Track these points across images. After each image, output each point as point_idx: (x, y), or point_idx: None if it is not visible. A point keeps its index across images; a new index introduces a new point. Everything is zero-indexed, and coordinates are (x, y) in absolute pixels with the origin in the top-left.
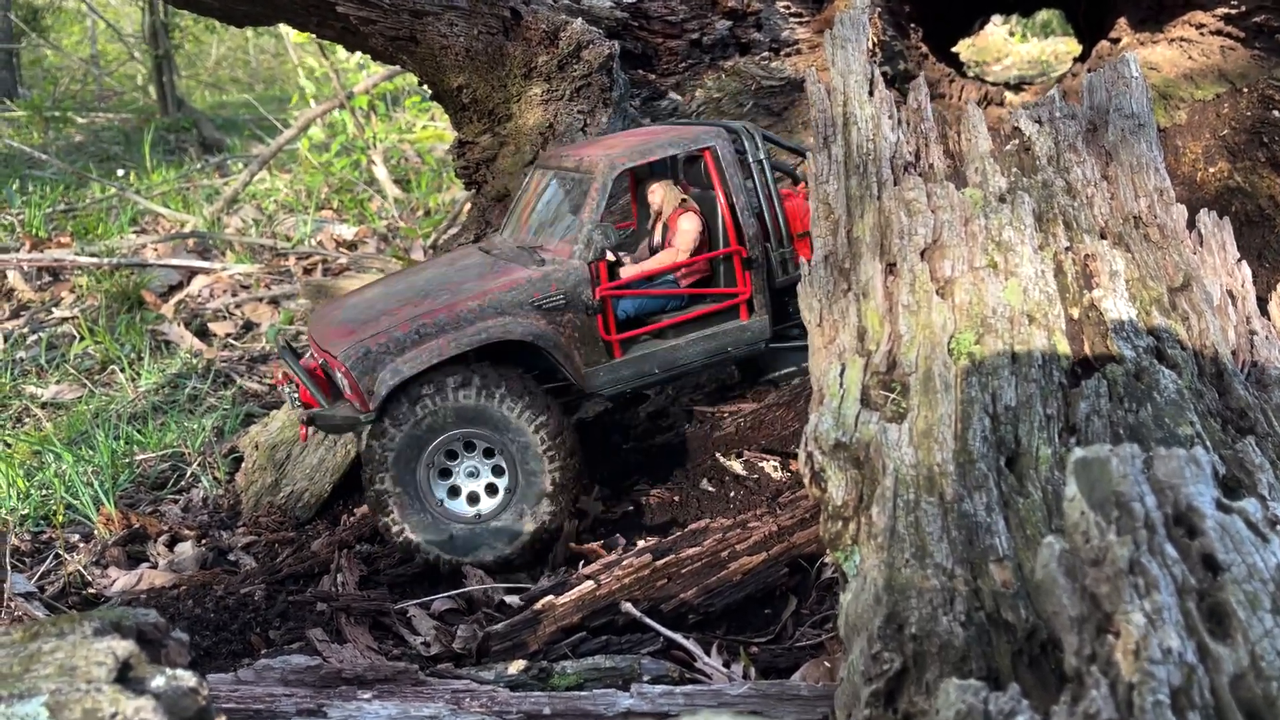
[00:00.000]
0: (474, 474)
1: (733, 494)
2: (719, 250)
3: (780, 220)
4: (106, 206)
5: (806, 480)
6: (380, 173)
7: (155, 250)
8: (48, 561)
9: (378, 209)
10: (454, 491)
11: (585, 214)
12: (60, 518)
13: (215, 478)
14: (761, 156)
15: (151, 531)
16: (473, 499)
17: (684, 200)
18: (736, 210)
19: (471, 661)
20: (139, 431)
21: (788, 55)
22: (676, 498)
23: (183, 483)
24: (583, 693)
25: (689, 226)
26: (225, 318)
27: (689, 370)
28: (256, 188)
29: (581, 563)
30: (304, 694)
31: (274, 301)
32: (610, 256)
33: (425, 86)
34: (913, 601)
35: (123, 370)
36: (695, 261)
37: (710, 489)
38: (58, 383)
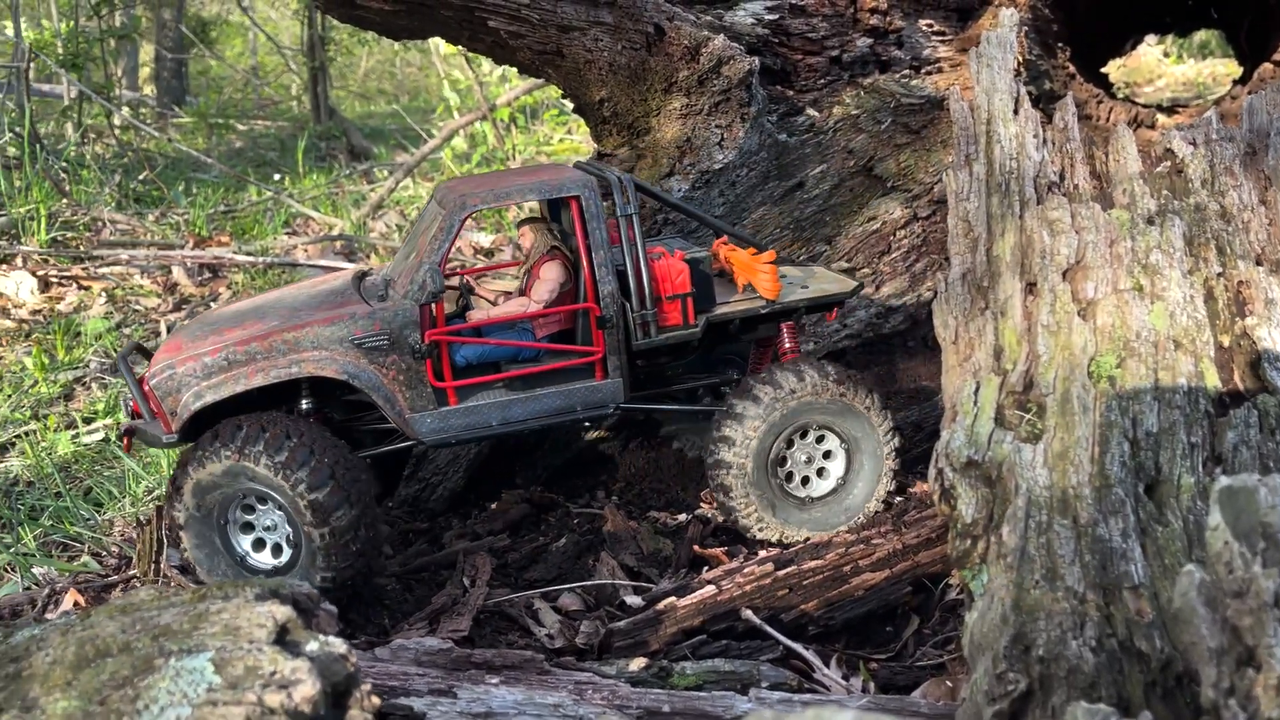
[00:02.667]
0: (270, 527)
1: None
2: (570, 305)
3: (645, 280)
4: (262, 209)
5: (935, 496)
6: None
7: (305, 251)
8: None
9: (513, 218)
10: (258, 544)
11: (426, 252)
12: None
13: None
14: (631, 210)
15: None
16: (276, 550)
17: (553, 247)
18: (595, 265)
19: (593, 656)
20: None
21: (928, 73)
22: None
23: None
24: (701, 693)
25: (549, 276)
26: None
27: (529, 428)
28: (400, 194)
29: (705, 568)
30: (436, 674)
31: None
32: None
33: (567, 99)
34: (1041, 623)
35: None
36: (545, 313)
37: None
38: None
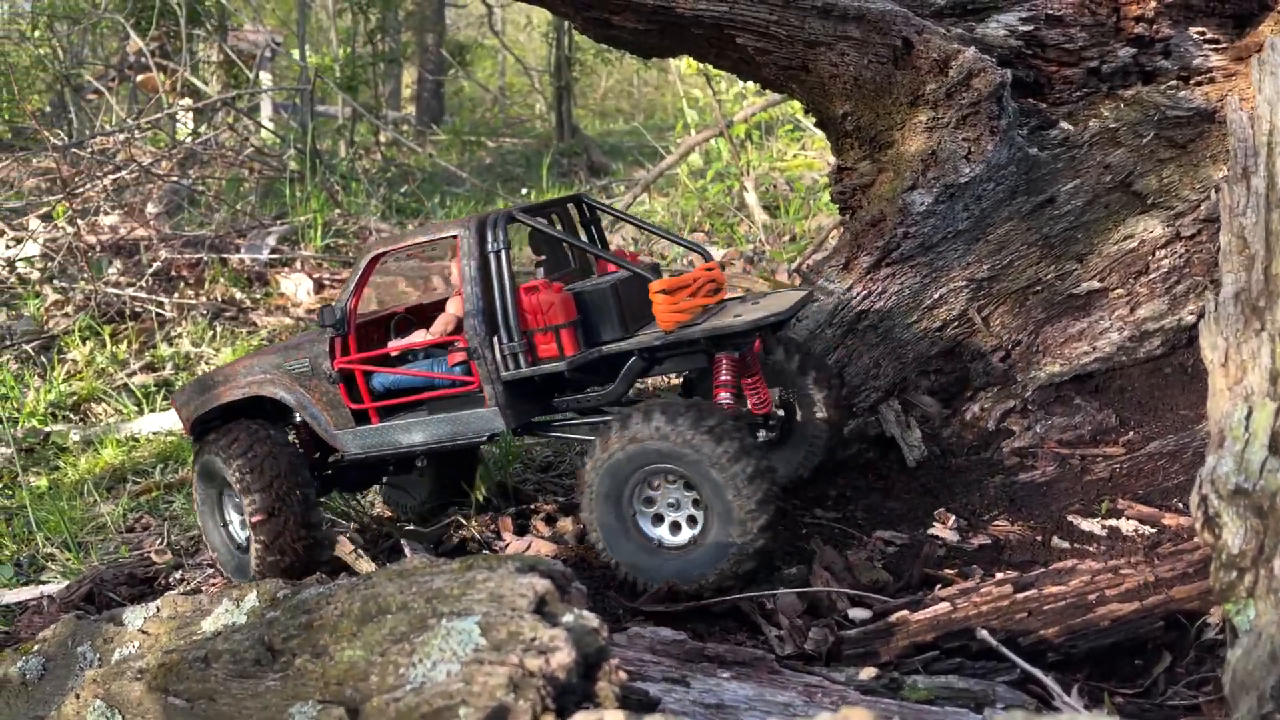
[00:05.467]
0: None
1: (1102, 539)
2: (447, 338)
3: (509, 313)
4: None
5: (1198, 524)
6: (750, 198)
7: None
8: (449, 527)
9: (746, 232)
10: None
11: (340, 292)
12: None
13: None
14: (499, 248)
15: (528, 510)
16: (244, 525)
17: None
18: (465, 300)
19: (821, 662)
20: None
21: (1198, 84)
22: (1039, 537)
23: (564, 466)
24: (933, 707)
25: (450, 310)
26: None
27: (429, 449)
28: (637, 208)
29: (938, 586)
30: (669, 664)
31: None
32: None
33: (810, 114)
34: None
35: None
36: (434, 342)
37: (1078, 531)
38: None
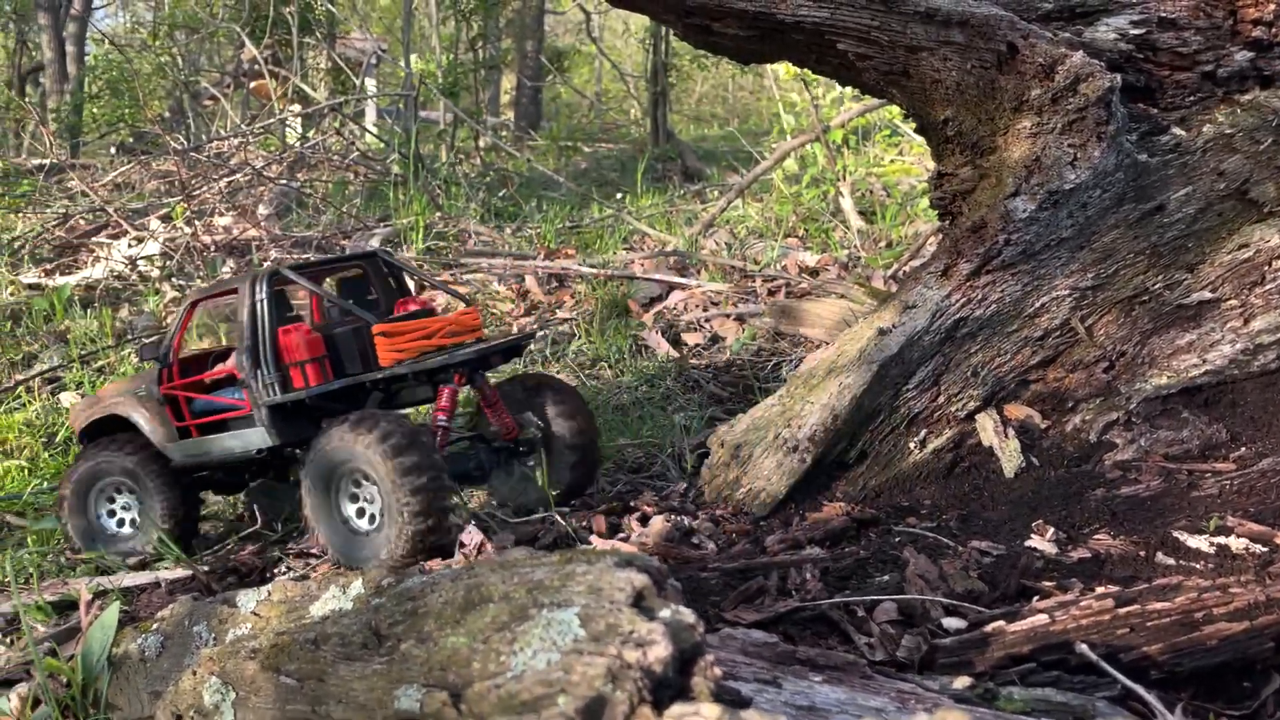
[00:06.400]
0: (127, 507)
1: (1210, 557)
2: (233, 370)
3: (269, 351)
4: (604, 225)
5: None
6: (846, 204)
7: (642, 265)
8: (543, 523)
9: (840, 238)
10: (112, 516)
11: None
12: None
13: (683, 469)
14: (262, 298)
15: (623, 509)
16: (119, 522)
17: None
18: (239, 340)
19: (914, 670)
20: (621, 420)
21: None
22: (1142, 553)
23: (655, 469)
24: (1029, 719)
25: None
26: (696, 329)
27: (225, 461)
28: (731, 214)
29: (1035, 597)
30: (761, 665)
31: (740, 318)
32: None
33: (910, 119)
34: None
35: (610, 367)
36: (222, 373)
37: (1183, 548)
38: (558, 372)
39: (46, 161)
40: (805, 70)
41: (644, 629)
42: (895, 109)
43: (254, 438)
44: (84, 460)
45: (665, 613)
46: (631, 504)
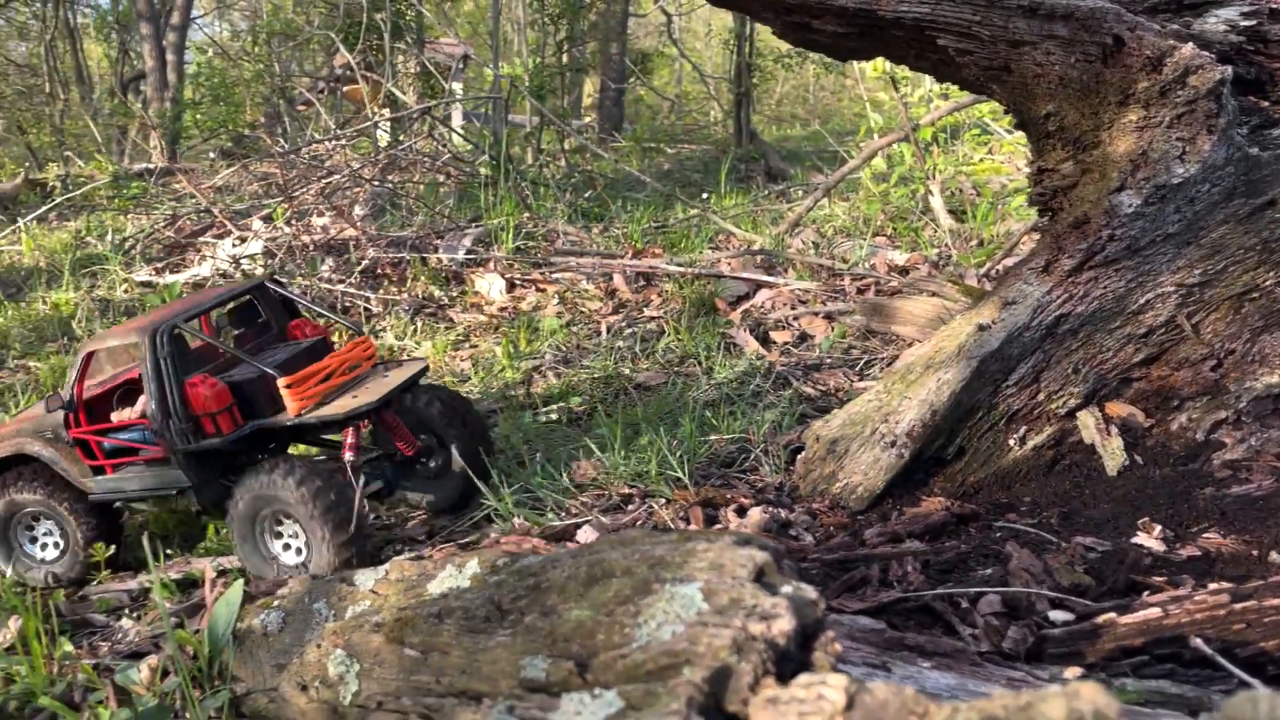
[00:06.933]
0: (49, 533)
1: None
2: (140, 419)
3: (177, 403)
4: (689, 225)
5: None
6: (936, 202)
7: (728, 264)
8: (639, 511)
9: (930, 237)
10: (34, 542)
11: (67, 383)
12: (656, 477)
13: (775, 464)
14: (166, 354)
15: (719, 500)
16: (43, 546)
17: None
18: (149, 392)
19: (1020, 661)
20: (712, 417)
21: None
22: (1254, 552)
23: (747, 464)
24: (1144, 709)
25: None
26: (784, 327)
27: (144, 496)
28: (817, 213)
29: (1145, 593)
30: (869, 650)
31: (829, 316)
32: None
33: (1009, 114)
34: None
35: (699, 364)
36: (133, 422)
37: None
38: (647, 369)
39: (149, 166)
40: (896, 68)
41: (767, 603)
42: (985, 107)
43: (174, 478)
44: None
45: (787, 588)
46: (729, 496)
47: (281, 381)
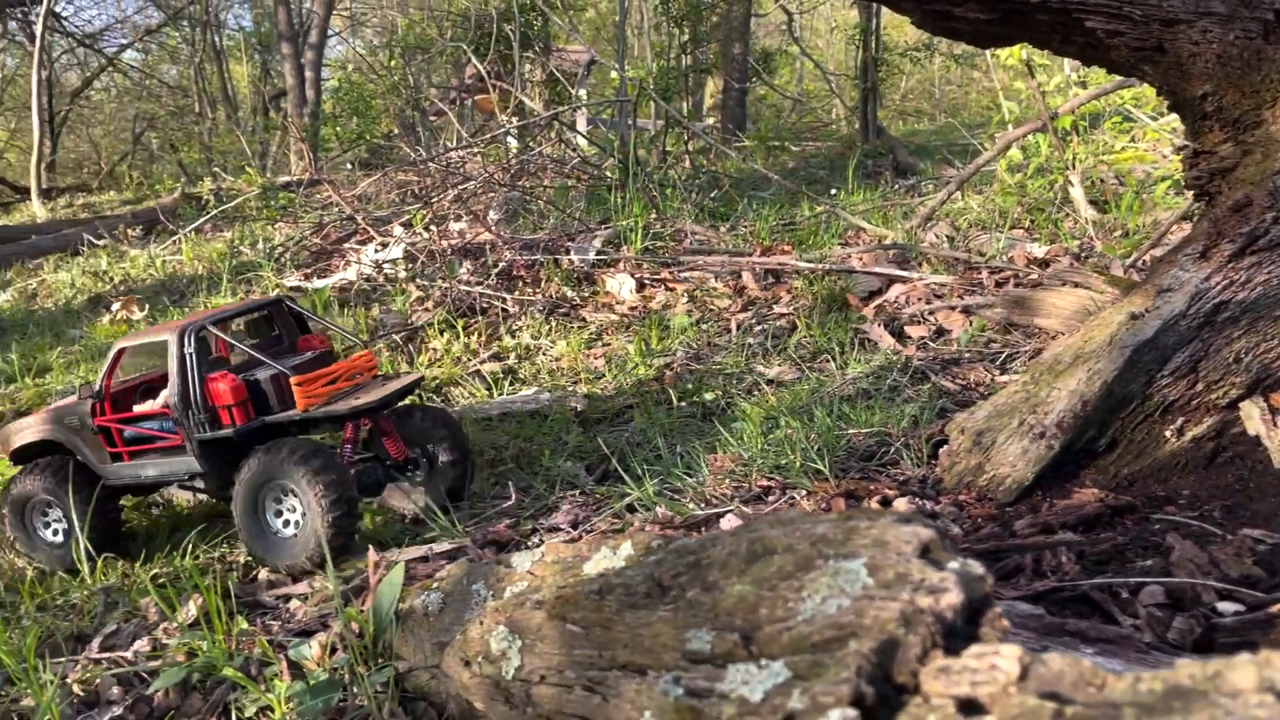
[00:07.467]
0: (60, 520)
1: None
2: (162, 409)
3: (198, 395)
4: (817, 222)
5: None
6: (1076, 193)
7: (860, 259)
8: (780, 502)
9: (1071, 228)
10: (47, 528)
11: (99, 375)
12: (797, 470)
13: (916, 457)
14: (191, 350)
15: (861, 493)
16: (54, 532)
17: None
18: (172, 384)
19: (1187, 652)
20: (849, 411)
21: None
22: None
23: (887, 457)
24: None
25: (170, 388)
26: (919, 322)
27: (160, 482)
28: (950, 206)
29: None
30: (1028, 635)
31: (966, 310)
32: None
33: (1162, 96)
34: None
35: (832, 359)
36: (156, 412)
37: None
38: (780, 365)
39: (292, 178)
40: (1035, 55)
41: (935, 577)
42: (1128, 93)
43: (184, 464)
44: (15, 483)
45: (954, 564)
46: (871, 488)
47: (294, 379)
